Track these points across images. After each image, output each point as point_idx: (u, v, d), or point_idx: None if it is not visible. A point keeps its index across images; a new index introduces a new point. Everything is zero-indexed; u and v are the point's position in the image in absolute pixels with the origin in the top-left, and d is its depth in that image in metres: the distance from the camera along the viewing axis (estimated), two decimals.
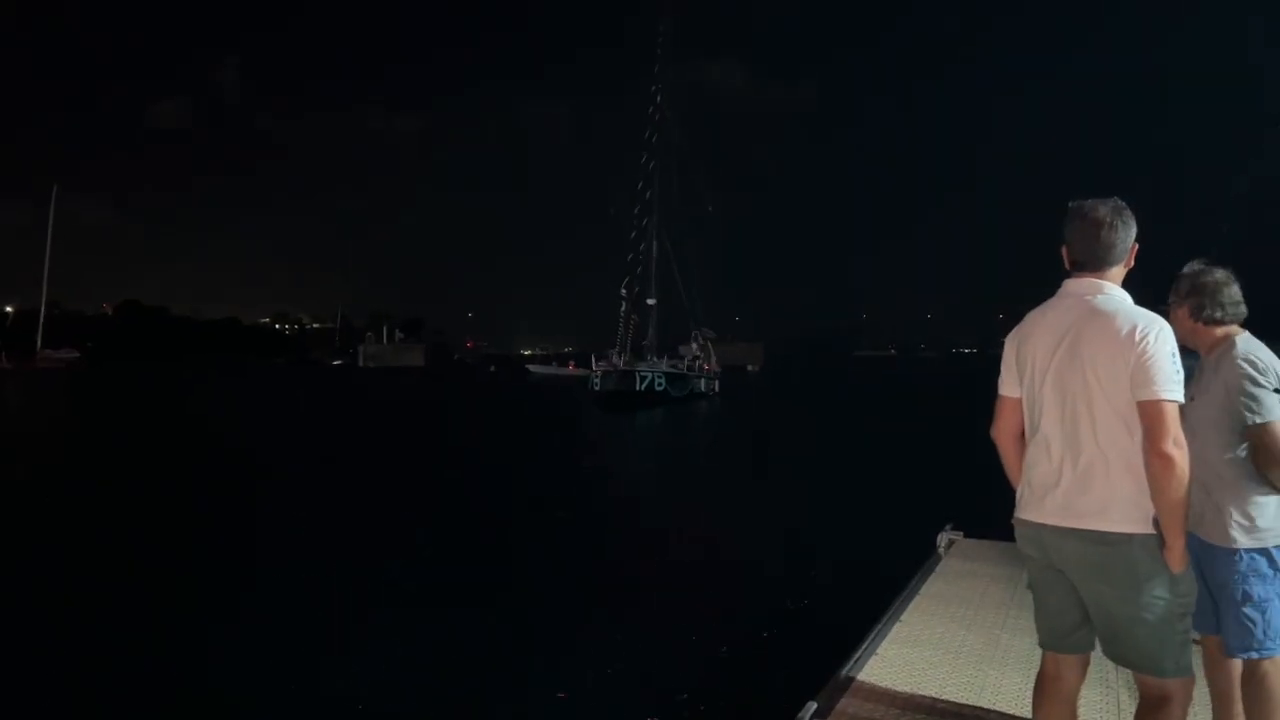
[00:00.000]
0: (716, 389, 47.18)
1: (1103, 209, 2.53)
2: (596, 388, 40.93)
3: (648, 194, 49.18)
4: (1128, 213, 2.54)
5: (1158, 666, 2.41)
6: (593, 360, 44.66)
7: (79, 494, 14.35)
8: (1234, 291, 2.88)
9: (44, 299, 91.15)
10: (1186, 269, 2.98)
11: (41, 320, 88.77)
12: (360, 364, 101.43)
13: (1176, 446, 2.28)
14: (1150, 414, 2.32)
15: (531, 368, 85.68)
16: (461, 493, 15.02)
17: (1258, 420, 2.68)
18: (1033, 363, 2.58)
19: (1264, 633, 2.72)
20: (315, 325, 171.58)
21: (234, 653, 6.50)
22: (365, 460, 18.99)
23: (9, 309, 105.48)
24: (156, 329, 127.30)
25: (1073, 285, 2.57)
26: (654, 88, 50.17)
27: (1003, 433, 2.71)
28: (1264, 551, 2.73)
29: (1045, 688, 2.66)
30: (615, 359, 43.84)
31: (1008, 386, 2.69)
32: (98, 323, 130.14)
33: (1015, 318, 2.75)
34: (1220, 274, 2.90)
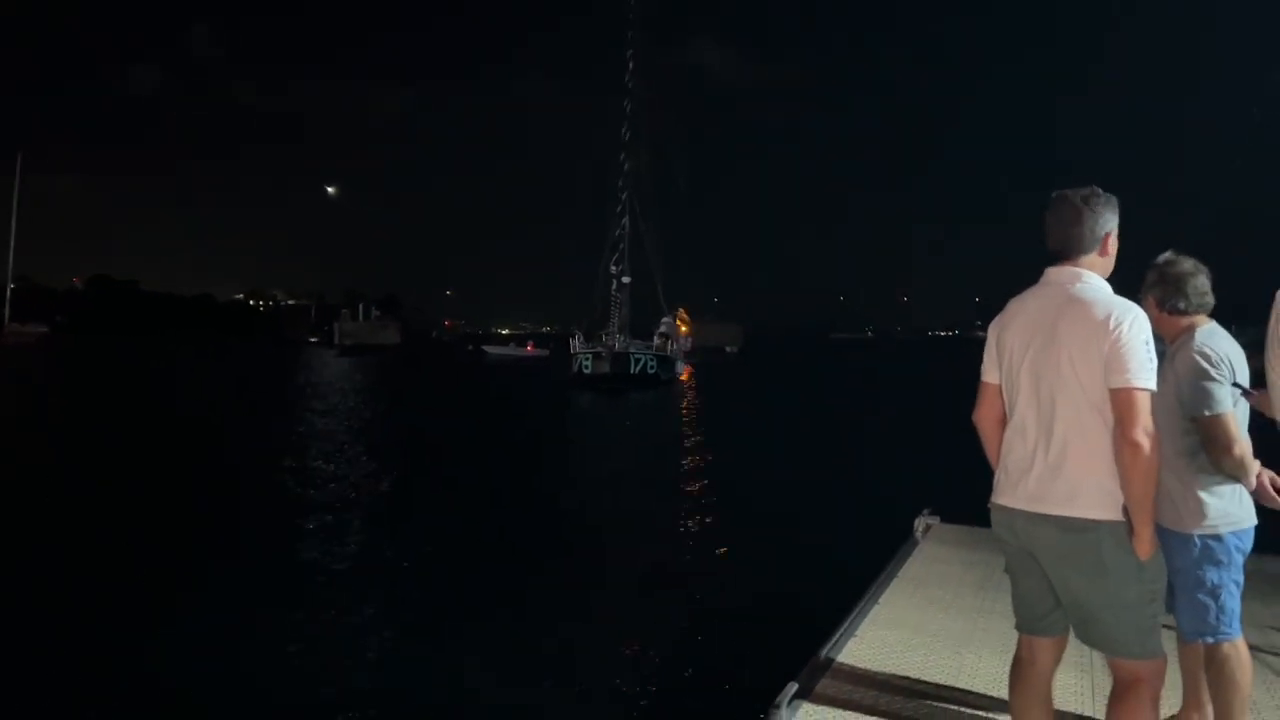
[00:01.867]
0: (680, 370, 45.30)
1: (1073, 196, 2.55)
2: (586, 370, 38.59)
3: (626, 166, 46.92)
4: (1100, 201, 2.55)
5: (1127, 650, 2.45)
6: (572, 341, 41.57)
7: (43, 473, 14.18)
8: (1200, 282, 2.92)
9: (9, 272, 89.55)
10: (1159, 259, 3.01)
11: (8, 294, 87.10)
12: (336, 341, 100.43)
13: (1146, 435, 2.31)
14: (1122, 402, 2.34)
15: (488, 349, 78.66)
16: (476, 482, 15.00)
17: (1207, 413, 2.73)
18: (1011, 349, 2.61)
19: (1216, 617, 2.78)
20: (290, 302, 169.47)
21: (204, 643, 6.48)
22: (354, 445, 18.86)
23: None
24: (127, 304, 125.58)
25: (1053, 274, 2.60)
26: (628, 53, 47.29)
27: (984, 418, 2.74)
28: (1218, 537, 2.78)
29: (1020, 670, 2.70)
30: (609, 340, 41.37)
31: (989, 373, 2.71)
32: (67, 297, 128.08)
33: (992, 302, 2.79)
34: (1188, 264, 2.93)
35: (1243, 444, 2.73)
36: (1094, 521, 2.40)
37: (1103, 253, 2.57)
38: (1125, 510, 2.38)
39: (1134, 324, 2.38)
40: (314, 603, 7.41)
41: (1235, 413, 2.76)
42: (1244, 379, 2.83)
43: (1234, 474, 2.74)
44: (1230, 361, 2.79)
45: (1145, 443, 2.30)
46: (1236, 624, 2.82)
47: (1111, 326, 2.37)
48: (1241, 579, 2.84)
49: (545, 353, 69.07)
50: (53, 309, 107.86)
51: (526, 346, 77.87)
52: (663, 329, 46.17)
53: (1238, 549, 2.81)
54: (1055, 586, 2.54)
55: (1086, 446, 2.43)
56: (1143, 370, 2.34)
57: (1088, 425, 2.43)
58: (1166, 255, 2.99)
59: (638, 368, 38.76)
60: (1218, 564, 2.79)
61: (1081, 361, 2.42)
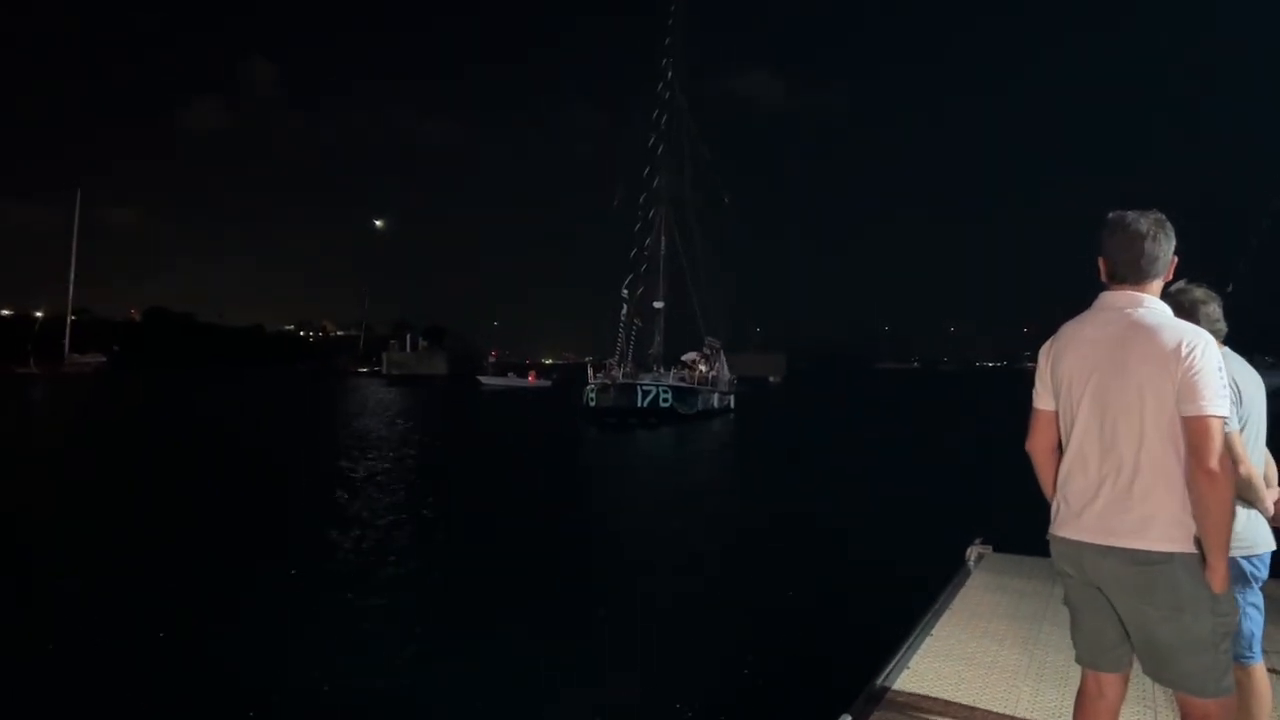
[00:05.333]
0: (731, 404, 41.67)
1: (1144, 221, 2.49)
2: (592, 403, 35.75)
3: (655, 182, 43.68)
4: (1168, 225, 2.51)
5: (1201, 688, 2.36)
6: (589, 371, 38.05)
7: (86, 496, 14.51)
8: (1212, 309, 2.98)
9: (70, 304, 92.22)
10: (1171, 288, 3.04)
11: (69, 325, 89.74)
12: (384, 372, 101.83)
13: (1222, 464, 2.25)
14: (1196, 430, 2.28)
15: (483, 379, 71.78)
16: (471, 510, 15.02)
17: None
18: (1070, 377, 2.54)
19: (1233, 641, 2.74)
20: (339, 333, 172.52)
21: (225, 651, 6.62)
22: (370, 474, 19.03)
23: (38, 314, 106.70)
24: (182, 335, 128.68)
25: (1110, 298, 2.54)
26: (665, 61, 43.97)
27: (1038, 447, 2.66)
28: (1232, 560, 2.74)
29: (1086, 705, 2.62)
30: (615, 370, 37.95)
31: (1043, 400, 2.64)
32: (124, 328, 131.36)
33: (1042, 332, 2.74)
34: (1200, 292, 3.00)
35: (1250, 464, 2.69)
36: (1167, 554, 2.33)
37: (1166, 277, 2.54)
38: (1198, 542, 2.32)
39: (1206, 350, 2.32)
40: (350, 609, 7.47)
41: (1243, 434, 2.76)
42: (1258, 405, 2.86)
43: (1243, 493, 2.69)
44: (1236, 384, 2.78)
45: (1221, 472, 2.25)
46: (1256, 648, 2.83)
47: (1184, 353, 2.31)
48: (1261, 604, 2.86)
49: (547, 383, 68.10)
50: (110, 340, 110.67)
51: (529, 376, 75.13)
52: (694, 358, 42.65)
53: (1254, 573, 2.83)
54: (1126, 621, 2.46)
55: (1158, 477, 2.36)
56: (1217, 398, 2.28)
57: (1158, 455, 2.36)
58: (1179, 284, 3.03)
59: (646, 400, 35.37)
60: (1233, 585, 2.75)
61: (1152, 390, 2.36)
